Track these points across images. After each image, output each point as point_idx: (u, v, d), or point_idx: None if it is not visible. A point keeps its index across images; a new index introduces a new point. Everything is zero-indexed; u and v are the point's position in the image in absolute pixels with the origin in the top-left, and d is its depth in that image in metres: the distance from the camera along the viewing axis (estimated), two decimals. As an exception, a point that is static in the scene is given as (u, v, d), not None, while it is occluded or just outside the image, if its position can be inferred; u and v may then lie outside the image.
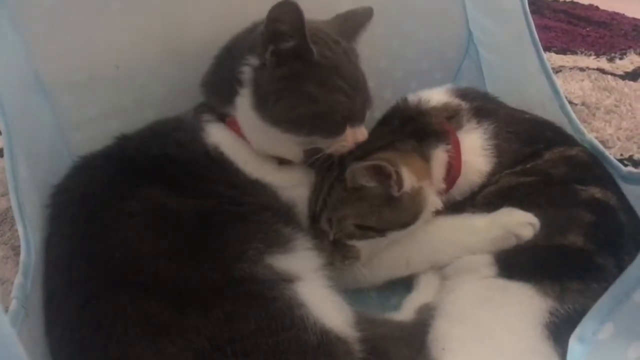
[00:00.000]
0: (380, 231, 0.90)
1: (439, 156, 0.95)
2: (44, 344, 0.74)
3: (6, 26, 0.93)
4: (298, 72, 0.86)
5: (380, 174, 0.86)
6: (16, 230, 0.84)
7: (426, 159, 0.95)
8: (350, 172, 0.87)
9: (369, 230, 0.90)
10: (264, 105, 0.87)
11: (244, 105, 0.90)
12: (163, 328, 0.68)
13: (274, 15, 0.82)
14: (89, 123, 1.06)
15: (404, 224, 0.90)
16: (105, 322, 0.69)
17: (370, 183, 0.87)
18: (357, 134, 0.92)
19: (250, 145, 0.92)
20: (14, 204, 0.83)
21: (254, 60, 0.88)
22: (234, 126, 0.92)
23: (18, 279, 0.74)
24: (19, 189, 0.84)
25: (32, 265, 0.77)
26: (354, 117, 0.90)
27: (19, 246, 0.81)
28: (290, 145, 0.91)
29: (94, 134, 1.00)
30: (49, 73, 1.00)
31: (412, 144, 0.95)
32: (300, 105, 0.87)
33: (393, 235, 0.91)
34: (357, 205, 0.90)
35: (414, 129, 0.98)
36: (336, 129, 0.89)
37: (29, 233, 0.80)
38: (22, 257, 0.77)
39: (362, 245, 0.92)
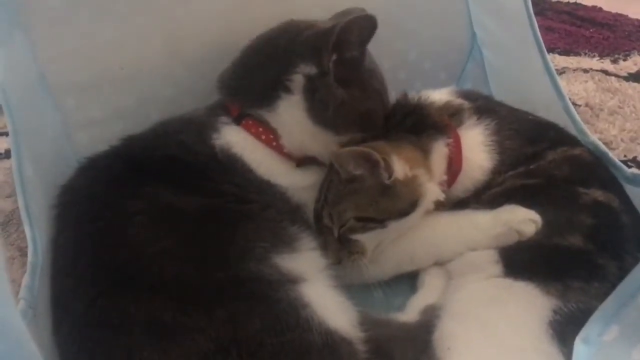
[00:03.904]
0: (380, 222, 0.90)
1: (439, 149, 0.96)
2: (51, 343, 0.74)
3: (13, 27, 0.94)
4: (351, 78, 0.89)
5: (369, 161, 0.87)
6: (22, 232, 0.84)
7: (425, 150, 0.95)
8: (335, 157, 0.88)
9: (369, 222, 0.90)
10: (323, 112, 0.90)
11: (291, 111, 0.91)
12: (168, 328, 0.68)
13: (350, 25, 0.84)
14: (93, 124, 1.06)
15: (403, 213, 0.90)
16: (111, 322, 0.70)
17: (358, 170, 0.88)
18: None
19: (275, 147, 0.93)
20: (21, 204, 0.83)
21: (308, 69, 0.89)
22: (252, 128, 0.93)
23: (25, 280, 0.75)
24: (26, 190, 0.84)
25: (40, 266, 0.78)
26: (385, 106, 0.98)
27: (25, 247, 0.81)
28: (332, 144, 0.94)
29: (99, 134, 1.01)
30: (54, 74, 1.00)
31: (410, 138, 0.96)
32: (355, 109, 0.91)
33: (394, 226, 0.91)
34: (354, 197, 0.90)
35: (413, 122, 0.99)
36: (378, 124, 0.96)
37: (35, 233, 0.81)
38: (29, 257, 0.78)
39: (366, 239, 0.92)
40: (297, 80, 0.90)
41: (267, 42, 0.95)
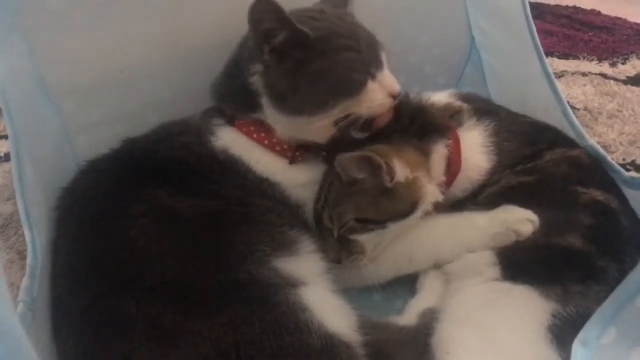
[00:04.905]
0: (379, 223, 0.91)
1: (439, 151, 0.96)
2: (51, 346, 0.74)
3: (12, 31, 0.94)
4: (300, 56, 0.87)
5: (371, 165, 0.87)
6: (21, 235, 0.85)
7: (425, 153, 0.96)
8: (338, 163, 0.88)
9: (368, 223, 0.91)
10: (284, 102, 0.89)
11: (269, 110, 0.91)
12: (168, 331, 0.68)
13: (254, 17, 0.83)
14: (93, 127, 1.07)
15: (402, 214, 0.91)
16: (110, 325, 0.70)
17: (361, 175, 0.89)
18: (385, 83, 0.91)
19: (267, 145, 0.94)
20: (20, 207, 0.83)
21: (257, 67, 0.89)
22: (244, 128, 0.94)
23: (25, 282, 0.75)
24: (26, 193, 0.84)
25: (39, 268, 0.78)
26: (369, 66, 0.89)
27: (24, 250, 0.81)
28: (322, 125, 0.90)
29: (99, 137, 1.01)
30: (54, 77, 1.01)
31: (412, 141, 0.96)
32: (315, 85, 0.88)
33: (394, 227, 0.92)
34: (354, 198, 0.91)
35: (418, 126, 0.99)
36: (357, 85, 0.88)
37: (35, 236, 0.81)
38: (28, 260, 0.78)
39: (366, 239, 0.92)
40: (256, 80, 0.90)
41: (237, 48, 0.97)
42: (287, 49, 0.86)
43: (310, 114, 0.89)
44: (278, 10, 0.82)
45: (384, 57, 0.92)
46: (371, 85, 0.89)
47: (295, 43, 0.85)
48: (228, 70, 0.97)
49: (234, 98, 0.95)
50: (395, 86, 0.92)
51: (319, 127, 0.91)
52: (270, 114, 0.92)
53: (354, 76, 0.88)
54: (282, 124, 0.92)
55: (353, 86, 0.88)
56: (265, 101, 0.91)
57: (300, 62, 0.87)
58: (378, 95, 0.90)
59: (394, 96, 0.91)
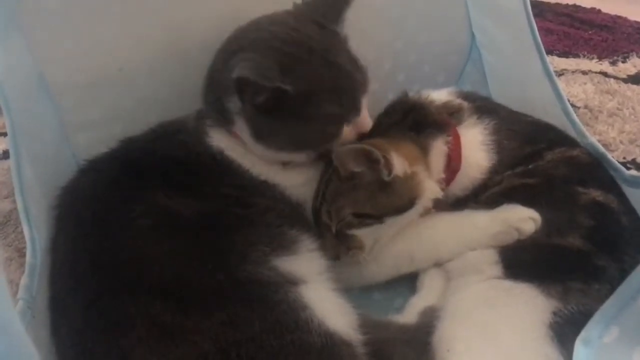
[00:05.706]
0: (377, 217, 0.91)
1: (438, 147, 0.96)
2: (49, 344, 0.74)
3: (11, 29, 0.94)
4: (280, 106, 0.85)
5: (369, 158, 0.87)
6: (20, 232, 0.84)
7: (424, 148, 0.95)
8: (336, 155, 0.88)
9: (366, 218, 0.91)
10: (261, 138, 0.89)
11: (243, 131, 0.90)
12: (167, 330, 0.68)
13: (240, 78, 0.81)
14: (92, 125, 1.07)
15: (400, 209, 0.91)
16: (110, 324, 0.70)
17: (358, 168, 0.89)
18: (358, 126, 0.92)
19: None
20: (19, 205, 0.83)
21: (235, 100, 0.88)
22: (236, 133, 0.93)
23: (24, 280, 0.75)
24: (25, 191, 0.84)
25: (38, 266, 0.78)
26: (347, 116, 0.91)
27: (23, 248, 0.81)
28: (297, 156, 0.93)
29: (98, 135, 1.01)
30: (53, 75, 1.00)
31: (409, 135, 0.96)
32: (294, 133, 0.89)
33: (392, 222, 0.91)
34: (352, 193, 0.91)
35: (413, 120, 0.99)
36: (333, 135, 0.91)
37: (34, 234, 0.81)
38: (27, 258, 0.78)
39: (364, 234, 0.92)
40: (233, 108, 0.89)
41: (215, 61, 0.95)
42: (267, 100, 0.85)
43: (287, 152, 0.91)
44: (268, 73, 0.81)
45: (364, 101, 0.92)
46: (345, 130, 0.91)
47: (276, 98, 0.84)
48: (208, 77, 0.95)
49: (215, 108, 0.93)
50: (366, 127, 0.94)
51: (294, 156, 0.93)
52: (246, 137, 0.91)
53: (332, 129, 0.90)
54: (258, 149, 0.91)
55: (331, 136, 0.91)
56: (240, 123, 0.90)
57: (278, 110, 0.86)
58: (348, 135, 0.92)
59: (361, 134, 0.94)
